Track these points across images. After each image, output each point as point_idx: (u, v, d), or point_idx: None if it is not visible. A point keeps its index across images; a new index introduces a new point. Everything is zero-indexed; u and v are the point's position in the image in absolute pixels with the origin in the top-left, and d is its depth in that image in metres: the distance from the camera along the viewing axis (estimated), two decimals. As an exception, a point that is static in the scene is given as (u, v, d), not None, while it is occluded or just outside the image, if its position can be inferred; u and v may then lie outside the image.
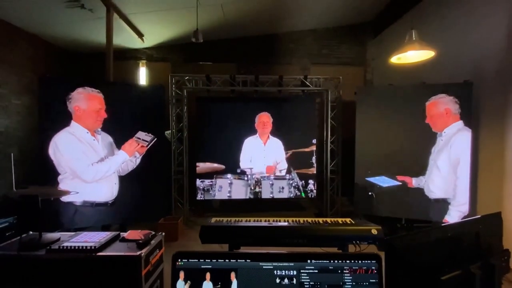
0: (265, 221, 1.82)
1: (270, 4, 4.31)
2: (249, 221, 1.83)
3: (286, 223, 1.76)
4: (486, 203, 3.07)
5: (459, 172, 3.09)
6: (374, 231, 1.66)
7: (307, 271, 0.79)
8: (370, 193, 3.45)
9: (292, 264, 0.80)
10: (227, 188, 4.34)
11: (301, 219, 1.83)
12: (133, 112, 3.22)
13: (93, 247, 1.53)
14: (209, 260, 0.79)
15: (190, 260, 0.80)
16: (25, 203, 1.60)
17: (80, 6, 3.64)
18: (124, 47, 5.13)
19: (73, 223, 2.89)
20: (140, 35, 4.75)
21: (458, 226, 1.29)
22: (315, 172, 4.55)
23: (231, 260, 0.78)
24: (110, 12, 3.76)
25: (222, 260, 0.78)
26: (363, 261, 0.80)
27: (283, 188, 4.43)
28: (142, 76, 5.42)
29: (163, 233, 1.86)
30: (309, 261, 0.79)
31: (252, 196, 4.37)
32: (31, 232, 1.76)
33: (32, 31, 4.24)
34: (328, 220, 1.84)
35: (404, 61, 3.04)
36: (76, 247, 1.53)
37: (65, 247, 1.53)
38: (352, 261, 0.79)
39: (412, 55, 2.91)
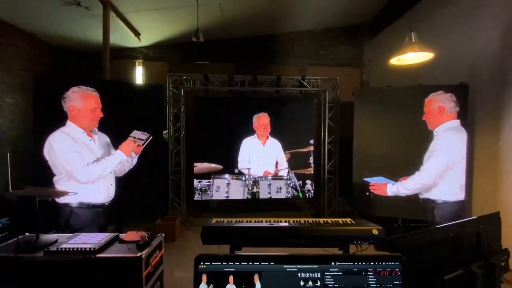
0: (266, 221, 1.81)
1: (268, 4, 4.32)
2: (250, 221, 1.82)
3: (287, 224, 1.75)
4: (482, 203, 3.12)
5: (426, 165, 3.14)
6: (375, 231, 1.67)
7: (331, 273, 0.78)
8: (367, 193, 3.47)
9: (316, 266, 0.80)
10: (225, 189, 4.33)
11: (302, 220, 1.83)
12: (131, 111, 3.18)
13: (92, 249, 1.50)
14: (232, 263, 0.78)
15: (213, 263, 0.79)
16: (22, 204, 1.57)
17: (76, 4, 3.59)
18: (121, 45, 5.08)
19: (69, 224, 2.84)
20: (137, 33, 4.71)
21: (459, 226, 1.31)
22: (312, 172, 4.57)
23: (255, 263, 0.77)
24: (106, 10, 3.71)
25: (246, 263, 0.77)
26: (387, 263, 0.80)
27: (280, 188, 4.43)
28: (139, 76, 5.37)
29: (163, 234, 1.85)
30: (333, 263, 0.78)
31: (249, 197, 4.36)
32: (27, 234, 1.73)
33: (27, 29, 4.17)
34: (329, 220, 1.84)
35: (403, 63, 3.07)
36: (75, 249, 1.50)
37: (63, 249, 1.50)
38: (376, 263, 0.79)
39: (411, 57, 2.94)
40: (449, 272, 1.13)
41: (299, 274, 0.79)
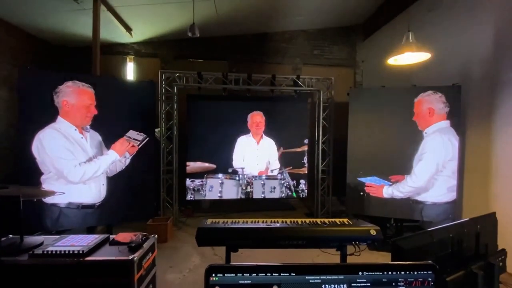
0: (263, 222, 1.77)
1: (263, 2, 4.27)
2: (246, 222, 1.77)
3: (284, 224, 1.72)
4: (472, 203, 3.17)
5: (416, 168, 3.23)
6: (372, 232, 1.66)
7: (359, 284, 0.72)
8: (361, 193, 3.48)
9: (342, 277, 0.74)
10: (218, 188, 4.26)
11: (299, 220, 1.80)
12: (123, 109, 3.08)
13: (81, 252, 1.43)
14: (248, 274, 0.71)
15: (226, 274, 0.72)
16: (5, 204, 1.48)
17: (64, -4, 3.46)
18: (111, 41, 4.94)
19: (56, 225, 2.73)
20: (128, 29, 4.58)
21: (458, 227, 1.30)
22: (306, 172, 4.56)
23: (274, 274, 0.71)
24: (97, 3, 3.59)
25: (263, 274, 0.71)
26: (419, 272, 0.74)
27: (274, 188, 4.40)
28: (130, 72, 5.24)
29: (156, 236, 1.78)
30: (360, 273, 0.73)
31: (243, 196, 4.31)
32: (10, 236, 1.63)
33: (12, 21, 3.99)
34: (326, 220, 1.81)
35: (399, 63, 3.09)
36: (62, 252, 1.42)
37: (50, 252, 1.42)
38: (408, 272, 0.74)
39: (408, 57, 2.95)
40: (451, 273, 1.12)
41: (323, 286, 0.73)
